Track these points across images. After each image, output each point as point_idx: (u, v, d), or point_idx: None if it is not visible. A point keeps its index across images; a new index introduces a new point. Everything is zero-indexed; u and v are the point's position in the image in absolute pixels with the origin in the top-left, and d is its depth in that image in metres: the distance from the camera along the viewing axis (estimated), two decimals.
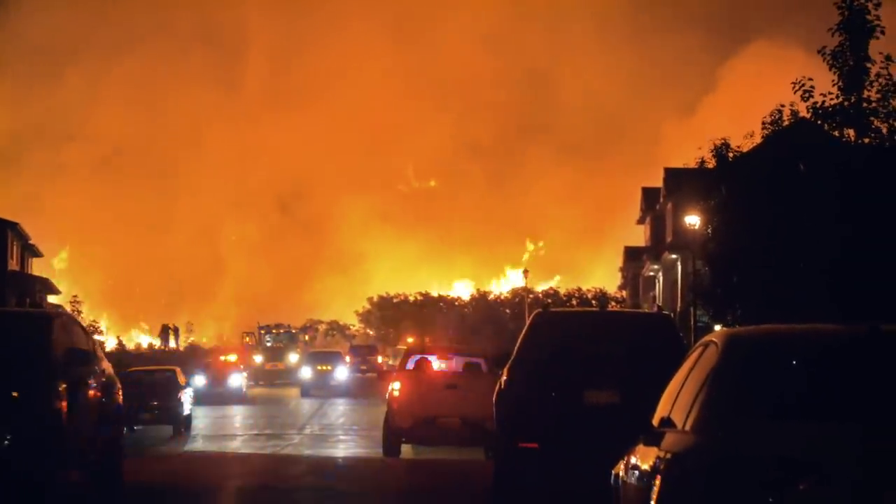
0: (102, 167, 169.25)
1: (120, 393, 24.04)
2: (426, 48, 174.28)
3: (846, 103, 34.42)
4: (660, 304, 43.24)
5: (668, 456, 10.13)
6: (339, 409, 64.12)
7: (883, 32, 34.37)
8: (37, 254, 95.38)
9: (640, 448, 11.29)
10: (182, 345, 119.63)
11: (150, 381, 50.35)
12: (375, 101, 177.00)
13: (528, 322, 23.95)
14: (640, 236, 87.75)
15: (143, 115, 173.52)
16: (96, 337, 67.00)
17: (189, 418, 50.65)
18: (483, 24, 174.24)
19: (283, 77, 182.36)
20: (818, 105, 34.61)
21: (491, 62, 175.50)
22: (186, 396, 50.96)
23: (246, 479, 28.44)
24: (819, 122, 34.83)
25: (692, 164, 39.79)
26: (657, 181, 79.86)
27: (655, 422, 11.22)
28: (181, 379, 51.73)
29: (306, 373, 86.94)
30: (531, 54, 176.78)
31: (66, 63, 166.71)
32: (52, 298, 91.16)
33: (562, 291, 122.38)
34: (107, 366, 23.72)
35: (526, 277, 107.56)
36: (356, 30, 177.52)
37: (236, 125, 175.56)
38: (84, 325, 70.81)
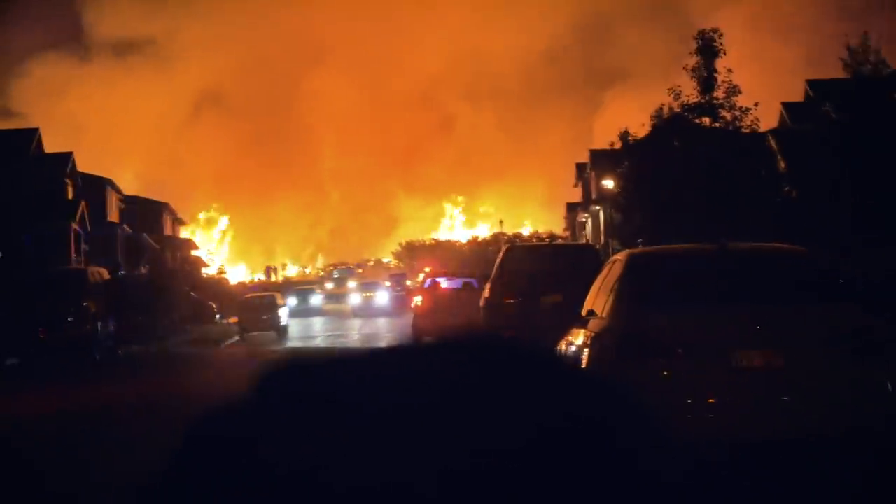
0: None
1: None
2: None
3: (703, 101, 34.65)
4: (588, 239, 43.26)
5: (592, 334, 10.18)
6: (381, 320, 63.79)
7: (724, 53, 34.56)
8: (182, 223, 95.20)
9: (574, 330, 11.33)
10: (280, 278, 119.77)
11: (260, 303, 50.34)
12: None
13: (501, 252, 24.04)
14: (576, 195, 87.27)
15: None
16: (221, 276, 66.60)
17: (286, 326, 50.64)
18: None
19: None
20: (685, 103, 34.80)
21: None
22: (284, 312, 50.93)
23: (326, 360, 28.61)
24: (686, 114, 35.01)
25: (607, 146, 39.74)
26: (585, 158, 79.64)
27: (584, 313, 11.24)
28: (280, 301, 51.68)
29: (355, 299, 77.21)
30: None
31: None
32: (195, 252, 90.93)
33: (526, 234, 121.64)
34: None
35: (501, 226, 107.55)
36: None
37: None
38: (214, 268, 69.56)
